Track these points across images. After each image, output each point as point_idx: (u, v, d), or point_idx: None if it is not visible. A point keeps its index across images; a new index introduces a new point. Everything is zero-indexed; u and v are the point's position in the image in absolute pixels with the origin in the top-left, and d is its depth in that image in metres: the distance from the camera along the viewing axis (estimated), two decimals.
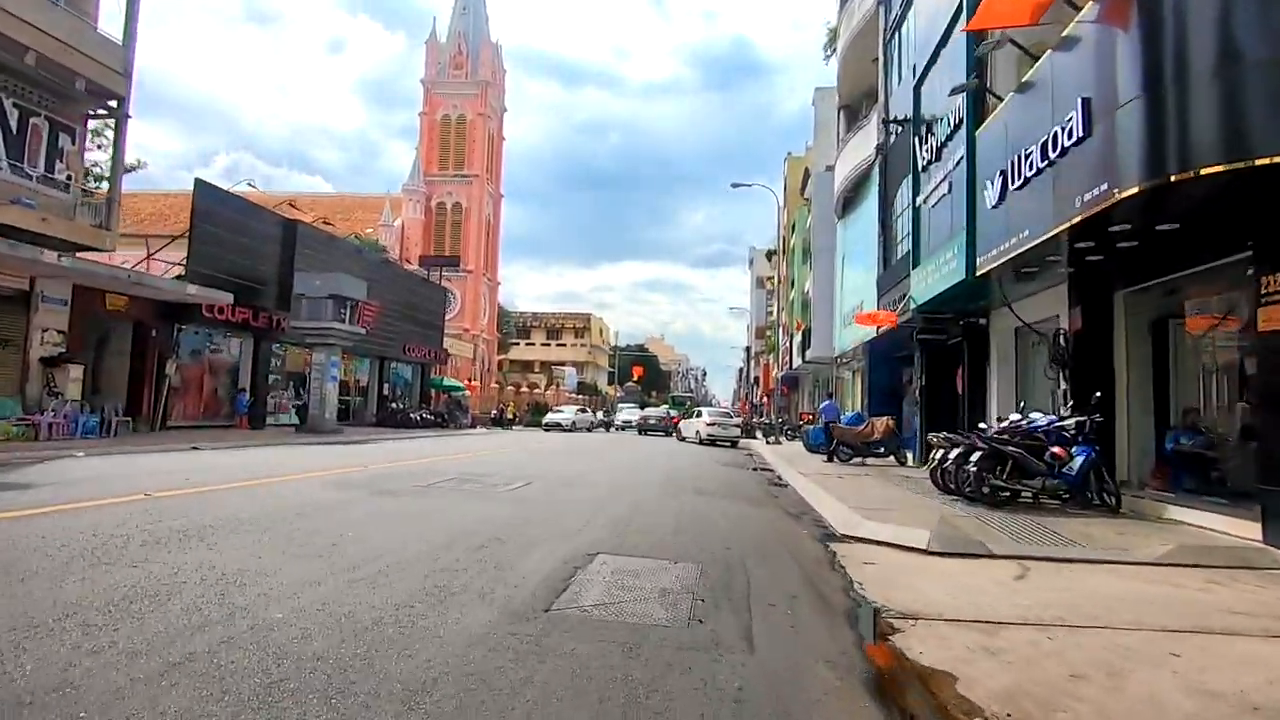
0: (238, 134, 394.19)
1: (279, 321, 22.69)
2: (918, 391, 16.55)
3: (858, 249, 19.87)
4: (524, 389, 63.01)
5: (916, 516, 7.61)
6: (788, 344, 40.12)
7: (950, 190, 11.54)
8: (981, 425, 10.84)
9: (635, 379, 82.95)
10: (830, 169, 30.48)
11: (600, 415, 38.51)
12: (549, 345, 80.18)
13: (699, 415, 30.12)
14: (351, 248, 32.62)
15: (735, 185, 28.65)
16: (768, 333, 68.56)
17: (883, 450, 16.49)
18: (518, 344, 78.51)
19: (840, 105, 23.68)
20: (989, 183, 9.61)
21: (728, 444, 27.78)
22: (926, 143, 12.80)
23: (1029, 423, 9.33)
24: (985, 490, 8.63)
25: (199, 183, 19.84)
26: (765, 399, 65.81)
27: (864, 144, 18.66)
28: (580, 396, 68.27)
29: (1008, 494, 8.62)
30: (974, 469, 8.68)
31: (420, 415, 30.43)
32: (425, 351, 33.29)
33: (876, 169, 17.58)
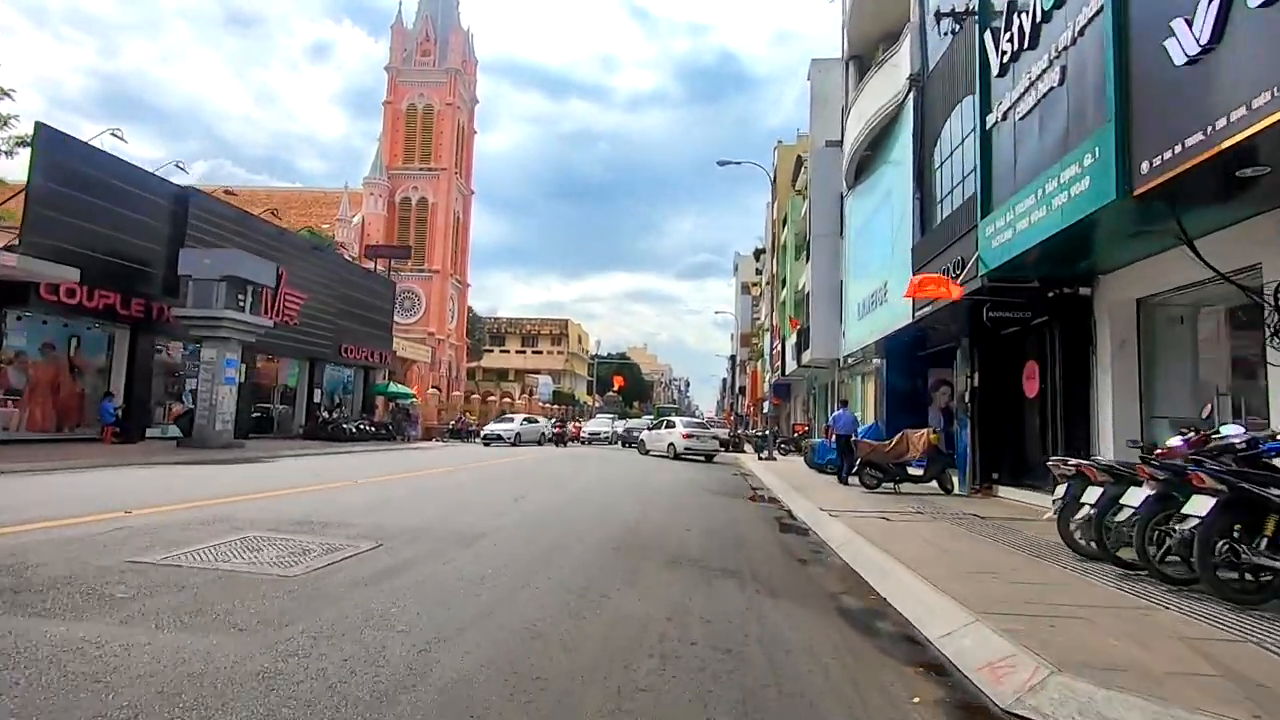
0: (218, 140, 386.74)
1: (162, 311, 18.19)
2: (966, 396, 12.45)
3: (878, 220, 15.83)
4: (495, 398, 58.48)
5: (1161, 655, 3.40)
6: (778, 348, 36.13)
7: (1065, 78, 7.45)
8: (1100, 453, 6.71)
9: (615, 389, 78.64)
10: (833, 144, 26.54)
11: (551, 426, 32.52)
12: (524, 353, 75.62)
13: (670, 425, 25.71)
14: (304, 243, 28.28)
15: (722, 163, 24.56)
16: (754, 340, 64.69)
17: (923, 473, 12.34)
18: (491, 351, 74.00)
19: (848, 56, 19.73)
20: (1176, 28, 5.52)
21: (702, 459, 23.64)
22: (1009, 30, 8.73)
23: (1249, 440, 5.16)
24: (1222, 568, 4.46)
25: (40, 128, 15.32)
26: (751, 409, 61.74)
27: (888, 83, 14.64)
28: (556, 407, 63.86)
29: (1271, 578, 4.44)
30: (1199, 529, 4.50)
31: (358, 426, 25.90)
32: (368, 353, 28.80)
33: (909, 105, 13.54)
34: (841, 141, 25.25)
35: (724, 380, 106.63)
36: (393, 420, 28.79)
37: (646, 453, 25.90)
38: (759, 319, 59.20)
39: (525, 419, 31.65)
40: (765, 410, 46.25)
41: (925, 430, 12.45)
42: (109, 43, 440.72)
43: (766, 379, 43.31)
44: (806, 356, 26.76)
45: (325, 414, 25.46)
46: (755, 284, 78.57)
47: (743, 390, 77.14)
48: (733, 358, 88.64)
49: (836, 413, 15.48)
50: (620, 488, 12.41)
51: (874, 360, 19.62)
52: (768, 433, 26.77)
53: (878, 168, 15.98)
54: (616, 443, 33.29)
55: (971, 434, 12.20)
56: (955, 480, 12.36)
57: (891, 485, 12.36)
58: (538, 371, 72.99)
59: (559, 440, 31.39)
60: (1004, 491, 11.60)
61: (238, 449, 18.06)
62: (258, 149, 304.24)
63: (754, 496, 12.83)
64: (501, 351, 75.14)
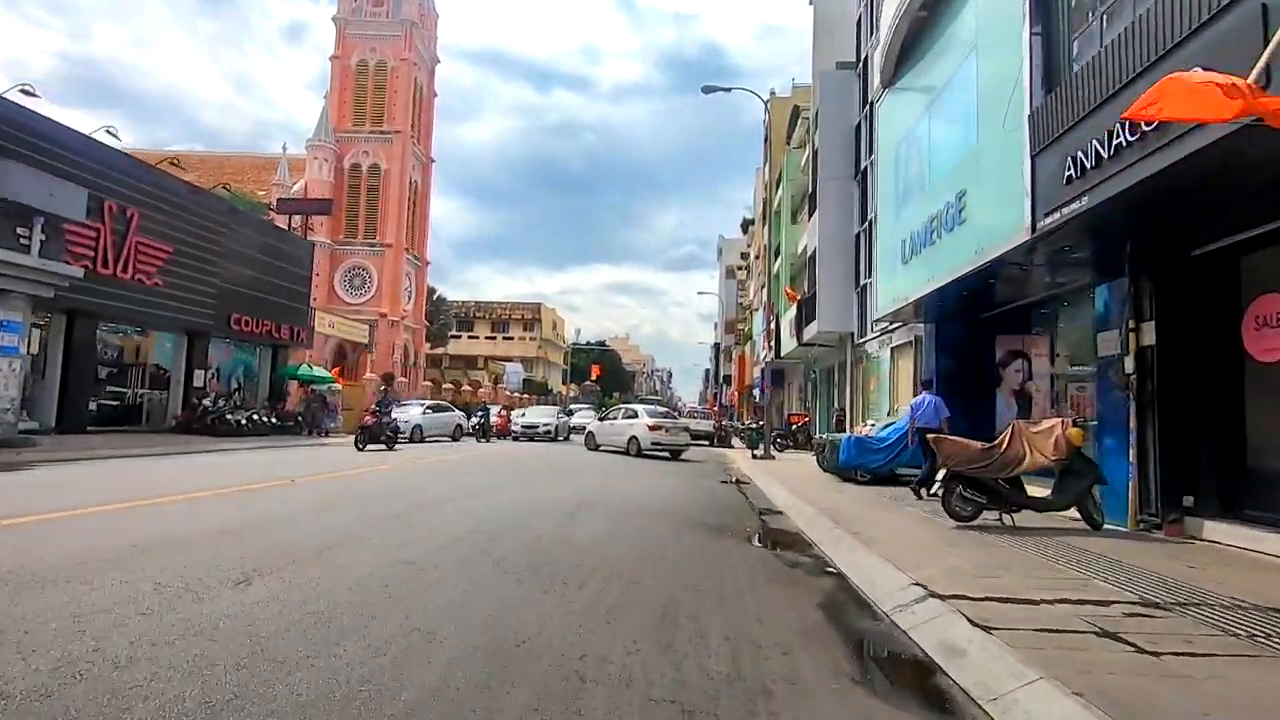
0: (194, 127, 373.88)
1: None
2: (1129, 365, 7.28)
3: (944, 110, 10.56)
4: (466, 387, 52.89)
5: None
6: (769, 328, 30.97)
7: None
8: None
9: (593, 378, 73.28)
10: (845, 65, 21.34)
11: (476, 418, 25.11)
12: (494, 339, 69.84)
13: (630, 415, 20.29)
14: (224, 205, 22.56)
15: (708, 89, 19.22)
16: (740, 325, 59.51)
17: (1057, 497, 7.14)
18: (459, 337, 68.29)
19: None
20: None
21: (667, 454, 18.70)
22: None
23: None
24: None
25: None
26: (736, 398, 56.58)
27: None
28: (526, 396, 58.43)
29: None
30: None
31: (250, 418, 20.32)
32: (272, 328, 23.15)
33: None
34: (858, 56, 20.05)
35: (707, 371, 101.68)
36: (307, 410, 23.24)
37: (596, 448, 20.63)
38: (746, 299, 54.01)
39: (432, 407, 23.81)
40: (756, 398, 41.11)
41: (1055, 421, 7.23)
42: (80, 26, 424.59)
43: (757, 363, 38.21)
44: (810, 332, 21.59)
45: (207, 402, 19.85)
46: (742, 266, 73.43)
47: (727, 379, 72.04)
48: (716, 346, 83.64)
49: (919, 397, 10.36)
50: (531, 530, 7.08)
51: (911, 329, 14.45)
52: (761, 425, 21.45)
53: (939, 35, 10.74)
54: (565, 436, 27.88)
55: (1143, 427, 7.03)
56: (1099, 503, 7.17)
57: (1002, 517, 7.18)
58: (509, 359, 67.43)
59: (481, 434, 24.45)
60: (1211, 529, 6.47)
61: (26, 447, 12.54)
62: (237, 135, 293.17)
63: (774, 538, 7.60)
64: (470, 338, 69.41)
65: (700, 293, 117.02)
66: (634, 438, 18.87)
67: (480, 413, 25.65)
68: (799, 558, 6.20)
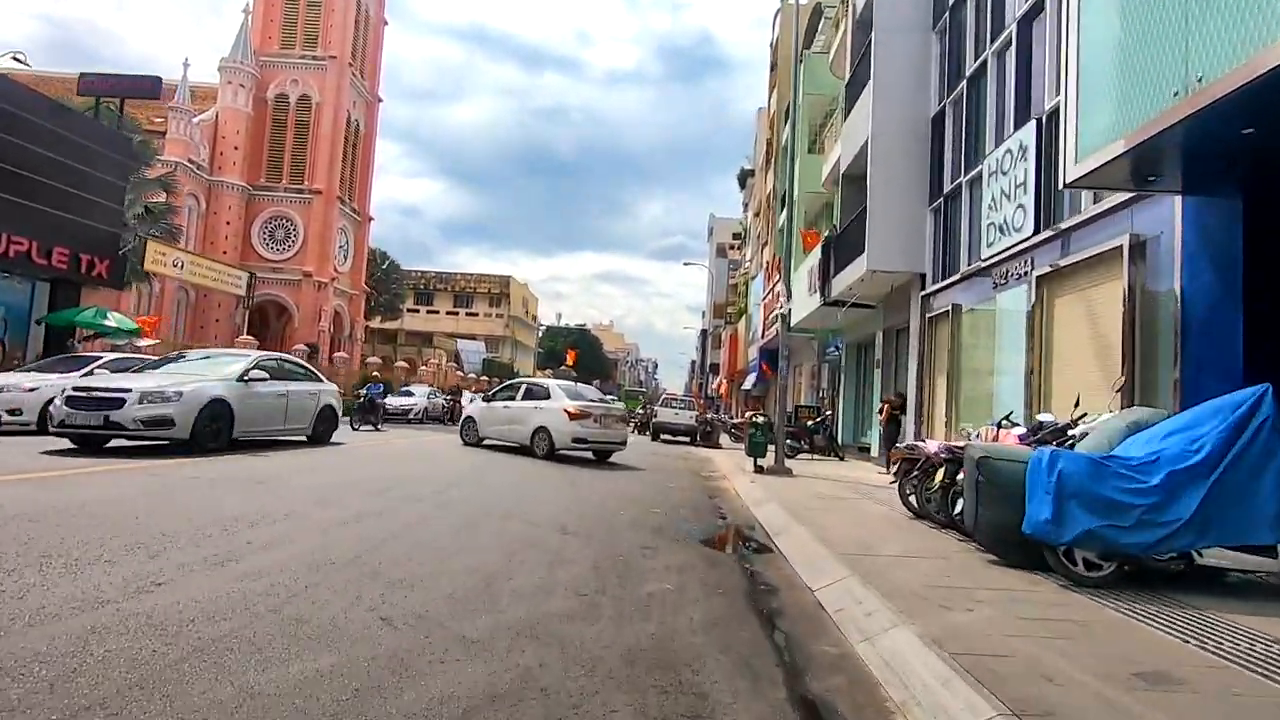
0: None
1: None
2: None
3: None
4: (423, 368, 44.90)
5: None
6: (775, 296, 23.38)
7: None
8: None
9: (569, 363, 65.29)
10: None
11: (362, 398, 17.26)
12: (457, 314, 61.56)
13: (539, 396, 12.54)
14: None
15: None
16: (732, 305, 51.80)
17: None
18: (418, 311, 60.26)
19: None
20: None
21: (591, 455, 12.02)
22: None
23: None
24: None
25: None
26: (725, 387, 48.89)
27: None
28: (485, 379, 50.45)
29: None
30: None
31: None
32: (35, 248, 15.12)
33: None
34: None
35: (693, 362, 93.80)
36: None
37: (479, 442, 13.13)
38: (739, 277, 46.34)
39: (271, 369, 10.94)
40: (749, 388, 32.95)
41: None
42: None
43: (753, 342, 30.49)
44: (846, 279, 13.93)
45: None
46: (733, 245, 65.93)
47: (714, 368, 64.38)
48: (704, 332, 75.85)
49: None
50: None
51: (1117, 226, 6.81)
52: (765, 419, 13.40)
53: None
54: (445, 419, 22.21)
55: None
56: None
57: None
58: (473, 336, 59.44)
59: (364, 419, 16.92)
60: None
61: None
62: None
63: None
64: (430, 312, 61.24)
65: (687, 263, 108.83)
66: (542, 430, 11.47)
67: (372, 390, 17.81)
68: None
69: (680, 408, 24.13)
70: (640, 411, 33.01)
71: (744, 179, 38.13)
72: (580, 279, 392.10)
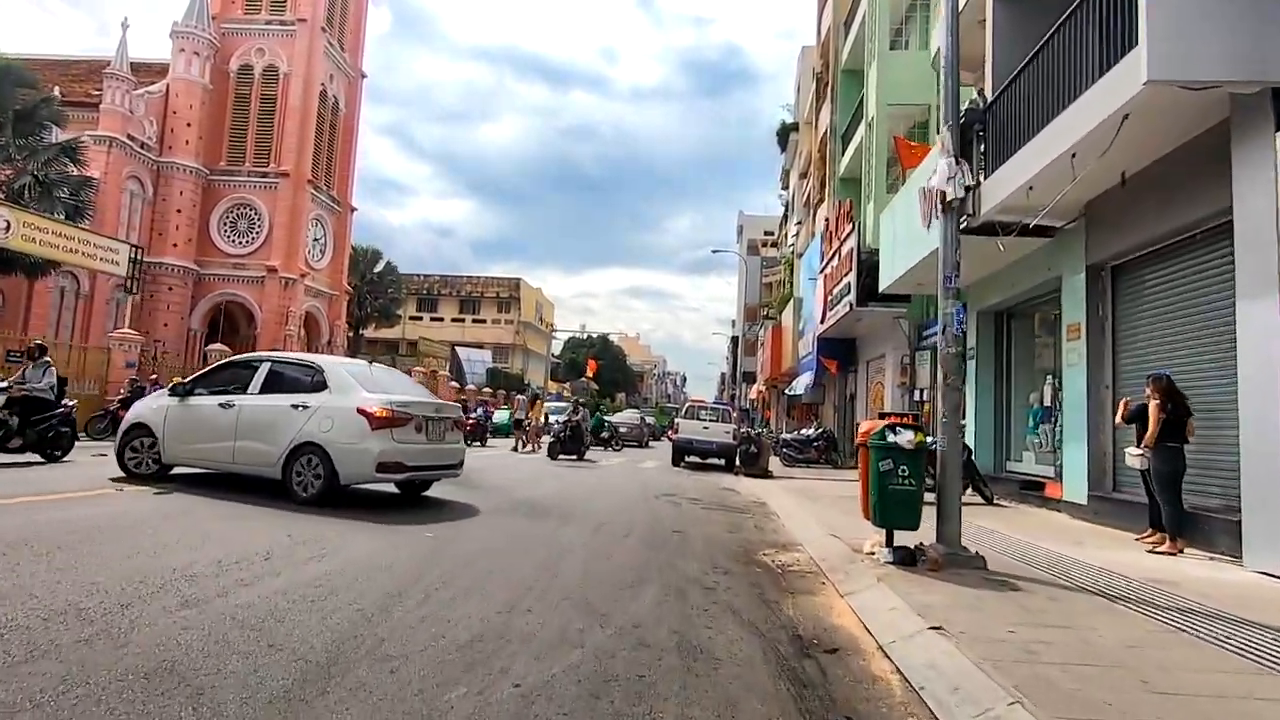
0: None
1: None
2: None
3: None
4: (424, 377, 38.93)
5: None
6: (837, 262, 16.49)
7: None
8: None
9: (589, 374, 58.72)
10: None
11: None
12: (462, 320, 55.45)
13: (316, 387, 6.09)
14: None
15: None
16: (769, 305, 44.57)
17: None
18: (420, 318, 54.52)
19: None
20: None
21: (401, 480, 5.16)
22: None
23: None
24: None
25: None
26: (764, 396, 41.69)
27: None
28: (486, 391, 44.15)
29: None
30: None
31: None
32: None
33: None
34: None
35: (722, 375, 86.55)
36: None
37: (160, 472, 6.61)
38: (787, 248, 39.27)
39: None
40: (799, 391, 24.42)
41: None
42: None
43: (803, 333, 23.37)
44: (1030, 165, 7.08)
45: None
46: (767, 241, 59.01)
47: (748, 376, 57.28)
48: (735, 339, 68.77)
49: None
50: None
51: None
52: (916, 435, 6.38)
53: None
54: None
55: None
56: None
57: None
58: (480, 345, 53.38)
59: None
60: None
61: None
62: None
63: None
64: (434, 319, 55.41)
65: (715, 251, 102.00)
66: (311, 448, 5.41)
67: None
68: None
69: (710, 420, 17.20)
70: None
71: (784, 136, 31.25)
72: (608, 294, 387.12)
